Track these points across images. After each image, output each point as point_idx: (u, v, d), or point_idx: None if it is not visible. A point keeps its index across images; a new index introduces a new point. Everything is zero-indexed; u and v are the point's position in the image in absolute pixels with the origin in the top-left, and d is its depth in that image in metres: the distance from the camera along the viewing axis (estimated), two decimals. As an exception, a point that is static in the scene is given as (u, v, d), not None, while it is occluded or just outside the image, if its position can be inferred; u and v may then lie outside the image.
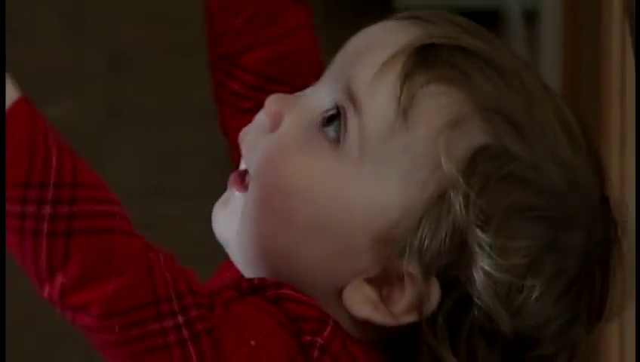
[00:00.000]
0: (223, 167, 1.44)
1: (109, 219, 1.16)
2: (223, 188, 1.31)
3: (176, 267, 1.18)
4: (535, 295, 1.21)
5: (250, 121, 1.31)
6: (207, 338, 1.17)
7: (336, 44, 1.33)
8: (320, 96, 1.25)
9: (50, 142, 1.16)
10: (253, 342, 1.18)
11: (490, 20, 3.29)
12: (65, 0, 3.68)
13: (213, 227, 1.30)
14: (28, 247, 1.15)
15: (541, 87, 1.27)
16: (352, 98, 1.22)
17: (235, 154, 1.35)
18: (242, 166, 1.26)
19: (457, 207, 1.21)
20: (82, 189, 1.17)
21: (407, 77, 1.20)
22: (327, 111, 1.23)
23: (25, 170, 1.15)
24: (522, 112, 1.24)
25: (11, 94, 1.18)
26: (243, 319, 1.19)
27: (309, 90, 1.28)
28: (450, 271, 1.21)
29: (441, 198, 1.20)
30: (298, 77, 1.39)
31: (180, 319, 1.16)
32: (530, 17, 3.01)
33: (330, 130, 1.21)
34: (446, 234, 1.21)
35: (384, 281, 1.21)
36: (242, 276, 1.28)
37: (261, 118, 1.27)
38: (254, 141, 1.26)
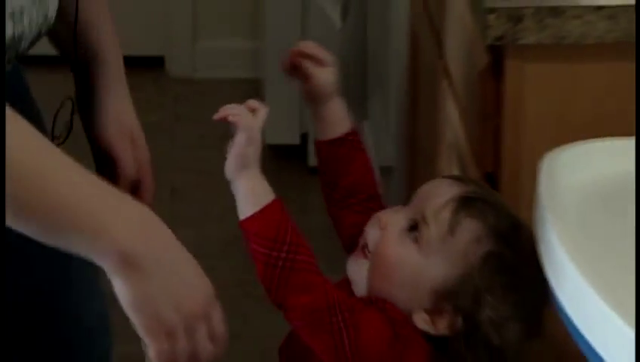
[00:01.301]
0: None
1: (310, 265, 1.52)
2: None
3: (337, 291, 1.54)
4: (511, 325, 1.55)
5: (345, 214, 1.72)
6: (351, 327, 1.51)
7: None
8: (406, 215, 1.60)
9: (290, 223, 1.53)
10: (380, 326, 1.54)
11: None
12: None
13: (348, 271, 1.63)
14: (268, 272, 1.50)
15: (516, 215, 1.60)
16: (424, 219, 1.57)
17: (340, 233, 1.74)
18: (363, 242, 1.61)
19: (476, 280, 1.54)
20: (302, 249, 1.52)
21: (454, 212, 1.56)
22: (411, 224, 1.59)
23: (274, 233, 1.50)
24: (509, 231, 1.57)
25: (271, 196, 1.54)
26: (373, 316, 1.55)
27: (399, 208, 1.63)
28: (469, 311, 1.55)
29: (467, 274, 1.55)
30: (368, 189, 1.73)
31: (340, 317, 1.51)
32: (387, 171, 2.89)
33: (412, 234, 1.58)
34: (468, 293, 1.55)
35: (433, 312, 1.56)
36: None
37: (375, 220, 1.61)
38: (372, 232, 1.61)
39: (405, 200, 2.37)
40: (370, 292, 1.60)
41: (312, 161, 3.42)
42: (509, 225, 1.57)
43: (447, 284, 1.56)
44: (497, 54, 1.71)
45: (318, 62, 1.70)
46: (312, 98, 1.72)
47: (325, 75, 1.70)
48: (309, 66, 1.70)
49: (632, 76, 1.67)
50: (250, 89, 3.84)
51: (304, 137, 3.51)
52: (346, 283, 1.63)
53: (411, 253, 1.58)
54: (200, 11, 4.52)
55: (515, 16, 1.67)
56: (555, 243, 1.39)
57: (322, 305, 1.51)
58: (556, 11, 1.67)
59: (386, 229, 1.59)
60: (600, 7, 1.66)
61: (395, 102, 2.69)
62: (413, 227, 1.58)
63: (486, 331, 1.55)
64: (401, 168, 2.68)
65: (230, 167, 1.53)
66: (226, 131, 1.54)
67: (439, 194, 1.58)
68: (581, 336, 1.30)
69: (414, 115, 2.53)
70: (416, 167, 2.53)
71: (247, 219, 1.51)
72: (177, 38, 4.51)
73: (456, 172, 2.01)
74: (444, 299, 1.56)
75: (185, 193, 3.77)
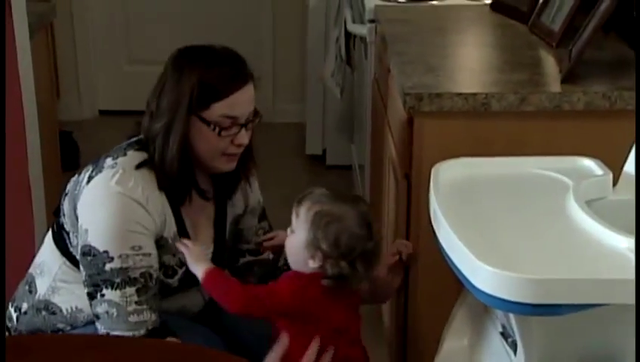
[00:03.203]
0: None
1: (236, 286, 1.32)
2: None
3: (255, 288, 1.34)
4: (339, 243, 1.28)
5: None
6: (269, 295, 1.29)
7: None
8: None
9: (224, 281, 1.32)
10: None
11: (348, 169, 3.04)
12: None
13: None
14: (222, 299, 1.31)
15: (332, 196, 1.33)
16: (292, 220, 1.33)
17: None
18: None
19: (312, 231, 1.29)
20: (230, 282, 1.32)
21: (295, 207, 1.32)
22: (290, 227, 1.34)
23: (212, 286, 1.32)
24: (325, 200, 1.31)
25: (208, 264, 1.32)
26: (282, 285, 1.31)
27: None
28: (319, 247, 1.29)
29: (310, 230, 1.30)
30: None
31: (262, 301, 1.29)
32: (362, 167, 2.60)
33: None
34: (314, 239, 1.29)
35: (312, 257, 1.30)
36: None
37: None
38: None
39: (370, 180, 2.41)
40: (290, 263, 1.38)
41: (328, 161, 3.26)
42: (325, 198, 1.33)
43: (307, 241, 1.32)
44: (411, 115, 1.61)
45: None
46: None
47: None
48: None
49: (475, 127, 1.58)
50: (298, 130, 3.50)
51: (324, 150, 3.31)
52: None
53: (292, 238, 1.36)
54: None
55: (419, 97, 1.57)
56: (437, 210, 1.26)
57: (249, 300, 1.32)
58: (439, 95, 1.58)
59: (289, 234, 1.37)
60: (460, 93, 1.58)
61: (366, 134, 2.51)
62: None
63: (331, 252, 1.30)
64: (368, 166, 2.48)
65: (190, 266, 1.36)
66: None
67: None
68: (451, 260, 1.18)
69: (374, 140, 2.37)
70: (375, 166, 2.32)
71: (205, 285, 1.35)
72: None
73: (392, 170, 1.85)
74: (310, 248, 1.31)
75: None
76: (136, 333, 1.31)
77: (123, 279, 1.31)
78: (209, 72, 1.31)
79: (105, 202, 1.31)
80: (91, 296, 1.33)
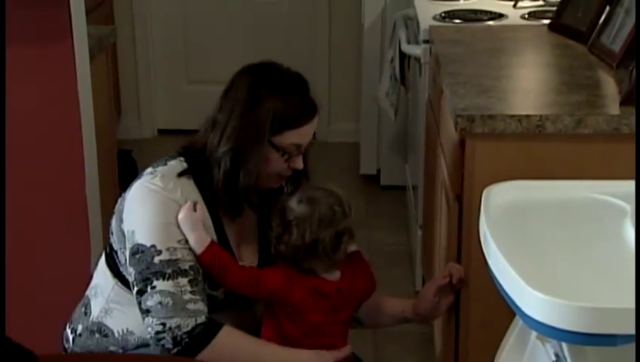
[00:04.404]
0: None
1: (233, 266, 1.34)
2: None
3: (250, 269, 1.35)
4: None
5: None
6: (258, 279, 1.32)
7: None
8: None
9: (222, 257, 1.32)
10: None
11: (402, 189, 3.03)
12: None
13: None
14: (219, 276, 1.32)
15: (306, 196, 1.33)
16: None
17: None
18: None
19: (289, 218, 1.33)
20: (227, 260, 1.33)
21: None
22: None
23: (210, 261, 1.32)
24: (298, 202, 1.33)
25: (207, 238, 1.31)
26: (271, 271, 1.34)
27: None
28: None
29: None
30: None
31: (253, 280, 1.33)
32: (415, 187, 2.57)
33: None
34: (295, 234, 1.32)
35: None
36: None
37: None
38: None
39: (423, 201, 2.38)
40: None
41: (382, 181, 3.23)
42: (298, 201, 1.34)
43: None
44: (462, 136, 1.59)
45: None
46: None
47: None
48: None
49: (528, 149, 1.55)
50: (352, 150, 3.50)
51: (378, 170, 3.29)
52: None
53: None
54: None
55: (471, 118, 1.55)
56: (487, 232, 1.24)
57: (243, 281, 1.34)
58: (491, 117, 1.55)
59: None
60: (513, 115, 1.55)
61: (420, 155, 2.49)
62: None
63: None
64: (421, 186, 2.44)
65: (186, 233, 1.34)
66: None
67: None
68: (501, 286, 1.15)
69: (427, 161, 2.34)
70: (428, 187, 2.28)
71: (203, 259, 1.33)
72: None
73: (444, 192, 1.82)
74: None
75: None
76: (198, 319, 1.29)
77: (174, 270, 1.29)
78: (289, 100, 1.32)
79: (145, 200, 1.32)
80: (141, 293, 1.30)
